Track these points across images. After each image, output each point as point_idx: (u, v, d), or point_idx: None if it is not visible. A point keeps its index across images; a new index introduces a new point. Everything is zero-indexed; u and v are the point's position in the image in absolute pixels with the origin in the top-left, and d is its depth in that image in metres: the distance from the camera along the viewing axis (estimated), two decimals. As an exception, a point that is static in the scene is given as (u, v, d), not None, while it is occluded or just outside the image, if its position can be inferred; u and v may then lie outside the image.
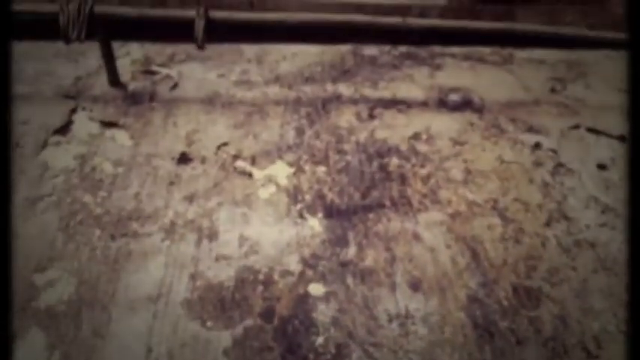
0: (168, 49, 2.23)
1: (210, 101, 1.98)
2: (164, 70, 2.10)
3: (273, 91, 2.05)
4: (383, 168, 1.75)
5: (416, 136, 1.88)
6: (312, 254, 1.47)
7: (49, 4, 1.82)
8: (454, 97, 2.05)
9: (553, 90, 2.11)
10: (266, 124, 1.90)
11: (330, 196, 1.65)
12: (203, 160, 1.74)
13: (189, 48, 2.18)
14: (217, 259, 1.44)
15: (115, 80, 1.98)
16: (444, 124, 1.94)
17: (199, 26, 1.75)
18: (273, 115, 1.94)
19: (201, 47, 1.79)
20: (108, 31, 1.90)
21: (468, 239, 1.53)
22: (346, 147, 1.82)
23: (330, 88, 2.08)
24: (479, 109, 2.01)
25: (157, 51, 2.21)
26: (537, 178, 1.74)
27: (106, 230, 1.50)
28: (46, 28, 1.93)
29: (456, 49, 2.30)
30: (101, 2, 2.18)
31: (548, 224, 1.59)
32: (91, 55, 2.12)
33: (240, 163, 1.74)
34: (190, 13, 1.80)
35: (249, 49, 2.26)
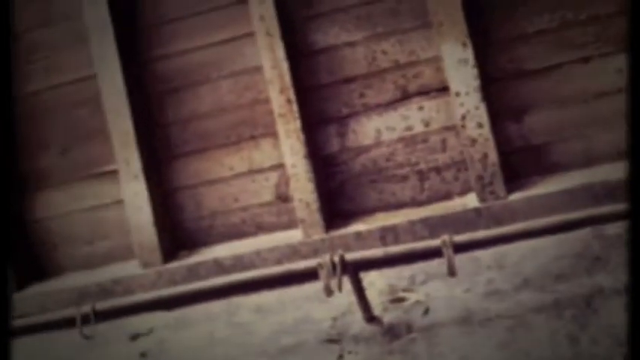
0: (406, 271, 2.29)
1: (467, 321, 1.95)
2: (412, 296, 2.14)
3: (527, 297, 1.97)
4: (692, 372, 1.53)
5: None
6: None
7: (306, 261, 1.99)
8: None
9: None
10: (533, 337, 1.80)
11: (642, 418, 1.45)
12: (484, 393, 1.67)
13: (426, 266, 2.23)
14: None
15: (369, 316, 2.05)
16: None
17: (449, 255, 1.79)
18: (536, 326, 1.85)
19: (453, 275, 1.82)
20: (357, 271, 2.02)
21: None
22: (636, 352, 1.65)
23: (586, 281, 1.96)
24: None
25: (397, 275, 2.28)
26: None
27: None
28: (294, 277, 2.11)
29: None
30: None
31: None
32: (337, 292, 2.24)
33: (524, 391, 1.64)
34: (435, 242, 1.86)
35: (485, 255, 2.25)
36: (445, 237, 1.82)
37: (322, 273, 1.88)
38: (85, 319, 2.10)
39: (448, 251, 1.79)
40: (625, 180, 1.85)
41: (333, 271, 1.91)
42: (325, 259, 1.89)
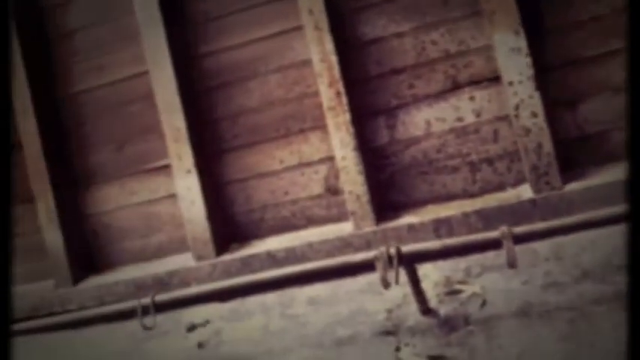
0: (461, 263, 2.28)
1: (526, 313, 1.93)
2: (468, 288, 2.13)
3: (587, 289, 1.94)
4: None
5: None
6: None
7: (362, 253, 2.00)
8: None
9: None
10: (594, 330, 1.77)
11: None
12: (547, 386, 1.65)
13: (482, 258, 2.21)
14: None
15: (425, 308, 2.05)
16: None
17: (509, 247, 1.77)
18: (597, 319, 1.81)
19: (513, 266, 1.80)
20: (413, 263, 2.01)
21: None
22: None
23: (649, 273, 1.91)
24: None
25: (452, 267, 2.27)
26: None
27: None
28: (347, 269, 2.11)
29: None
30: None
31: None
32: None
33: (589, 384, 1.61)
34: (494, 234, 1.84)
35: (542, 247, 2.22)
36: (504, 228, 1.80)
37: (379, 265, 1.88)
38: (145, 311, 2.15)
39: (508, 243, 1.77)
40: (625, 180, 1.79)
41: (389, 263, 1.91)
42: (382, 251, 1.90)
